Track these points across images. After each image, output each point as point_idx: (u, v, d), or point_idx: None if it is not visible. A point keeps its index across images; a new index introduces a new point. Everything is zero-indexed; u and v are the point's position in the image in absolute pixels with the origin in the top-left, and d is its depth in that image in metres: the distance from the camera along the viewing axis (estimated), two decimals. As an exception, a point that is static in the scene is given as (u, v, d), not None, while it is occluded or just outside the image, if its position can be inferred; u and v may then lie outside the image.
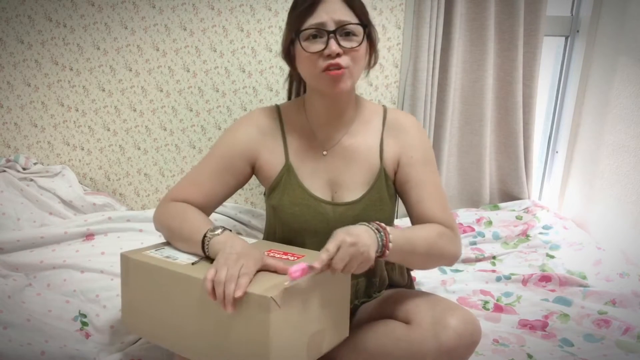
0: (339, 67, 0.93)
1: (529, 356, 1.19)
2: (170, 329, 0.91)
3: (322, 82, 0.97)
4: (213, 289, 0.80)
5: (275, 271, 0.86)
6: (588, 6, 1.82)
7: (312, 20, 0.92)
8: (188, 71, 1.62)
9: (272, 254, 0.95)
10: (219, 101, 1.66)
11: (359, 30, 0.95)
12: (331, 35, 0.92)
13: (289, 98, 1.18)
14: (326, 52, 0.92)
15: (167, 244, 1.04)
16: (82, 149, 1.64)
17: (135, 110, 1.64)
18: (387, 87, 1.76)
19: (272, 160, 1.07)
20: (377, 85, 1.74)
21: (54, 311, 1.16)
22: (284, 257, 0.94)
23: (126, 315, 1.00)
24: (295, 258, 0.93)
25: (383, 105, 1.13)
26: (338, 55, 0.93)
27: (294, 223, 1.06)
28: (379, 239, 0.87)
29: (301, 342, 0.84)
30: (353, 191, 1.06)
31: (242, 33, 1.61)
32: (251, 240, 1.05)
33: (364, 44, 0.96)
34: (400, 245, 0.90)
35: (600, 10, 1.80)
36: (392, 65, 1.73)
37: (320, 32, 0.93)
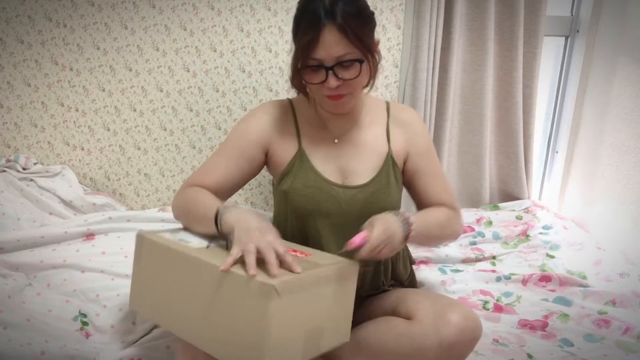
0: (339, 96, 1.00)
1: (529, 356, 1.19)
2: (176, 311, 0.91)
3: (326, 105, 1.06)
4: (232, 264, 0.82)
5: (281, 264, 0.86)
6: (588, 6, 1.82)
7: (312, 55, 0.95)
8: (188, 71, 1.62)
9: None
10: (219, 101, 1.66)
11: (357, 62, 0.98)
12: (330, 71, 0.96)
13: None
14: (326, 85, 0.98)
15: (185, 229, 1.05)
16: (82, 149, 1.64)
17: (135, 110, 1.64)
18: (387, 87, 1.76)
19: (285, 147, 1.12)
20: (377, 86, 1.73)
21: (54, 311, 1.16)
22: (292, 254, 0.94)
23: (134, 295, 1.01)
24: (303, 255, 0.94)
25: (386, 102, 1.20)
26: (338, 86, 0.98)
27: (307, 205, 1.10)
28: (404, 230, 0.94)
29: (298, 336, 0.83)
30: (363, 176, 1.11)
31: (242, 33, 1.61)
32: None
33: (363, 72, 0.99)
34: (419, 232, 0.97)
35: (600, 10, 1.80)
36: (392, 65, 1.73)
37: (319, 66, 0.97)
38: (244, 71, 1.65)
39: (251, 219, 0.89)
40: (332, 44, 0.94)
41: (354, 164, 1.11)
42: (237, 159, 1.10)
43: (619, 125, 1.73)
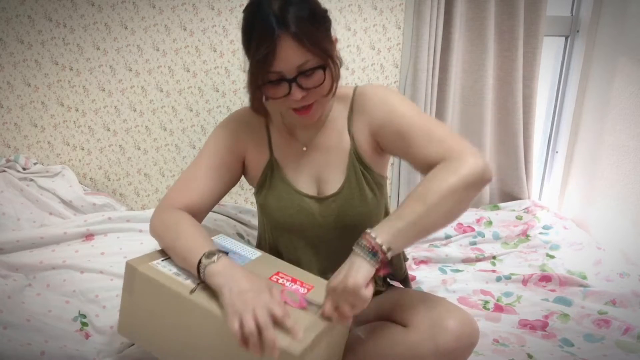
0: (307, 109, 0.94)
1: (529, 356, 1.19)
2: (171, 344, 0.89)
3: (293, 119, 0.99)
4: (243, 339, 0.77)
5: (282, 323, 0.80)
6: (588, 6, 1.82)
7: (271, 69, 0.88)
8: (188, 71, 1.62)
9: (281, 280, 0.93)
10: (219, 101, 1.66)
11: (319, 68, 0.91)
12: (293, 83, 0.89)
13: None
14: (291, 98, 0.91)
15: None
16: (82, 149, 1.64)
17: (135, 110, 1.64)
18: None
19: (258, 155, 1.08)
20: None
21: (54, 311, 1.16)
22: (294, 285, 0.92)
23: (124, 321, 0.97)
24: (305, 290, 0.91)
25: (355, 87, 1.08)
26: (303, 97, 0.91)
27: (280, 218, 1.06)
28: (373, 260, 0.82)
29: None
30: (335, 183, 1.04)
31: (242, 33, 1.61)
32: (256, 253, 1.02)
33: (327, 77, 0.92)
34: (399, 235, 0.82)
35: (600, 10, 1.80)
36: (392, 65, 1.73)
37: (280, 80, 0.90)
38: (244, 71, 1.64)
39: (240, 278, 0.82)
40: (289, 55, 0.86)
41: (325, 171, 1.05)
42: (217, 169, 1.05)
43: (619, 125, 1.73)
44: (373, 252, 0.81)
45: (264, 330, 0.75)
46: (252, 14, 0.90)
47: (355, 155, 1.03)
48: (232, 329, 0.76)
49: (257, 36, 0.87)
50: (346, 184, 1.03)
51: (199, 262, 0.86)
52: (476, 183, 0.86)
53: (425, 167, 0.92)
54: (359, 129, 1.03)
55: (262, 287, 0.82)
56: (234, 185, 1.11)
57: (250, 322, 0.76)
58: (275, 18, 0.85)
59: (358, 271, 0.81)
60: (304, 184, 1.05)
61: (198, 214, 1.03)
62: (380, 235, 0.82)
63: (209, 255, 0.86)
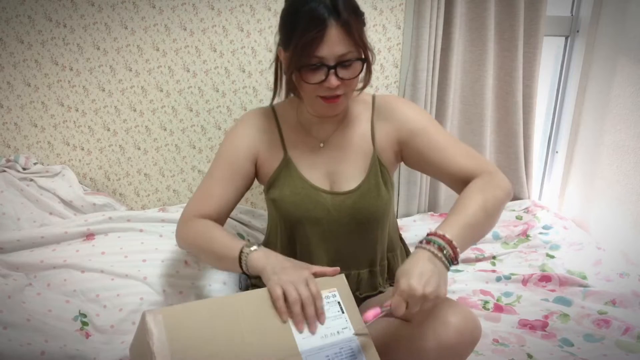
0: (336, 96, 0.98)
1: (529, 356, 1.19)
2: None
3: (318, 107, 1.02)
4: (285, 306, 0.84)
5: (324, 274, 0.91)
6: (588, 6, 1.82)
7: (315, 53, 0.92)
8: (188, 71, 1.62)
9: None
10: (219, 101, 1.66)
11: (358, 61, 0.96)
12: (331, 70, 0.93)
13: (273, 96, 1.16)
14: (325, 85, 0.95)
15: None
16: (82, 149, 1.64)
17: (135, 110, 1.64)
18: (387, 87, 1.76)
19: (271, 155, 1.11)
20: (377, 86, 1.75)
21: (54, 311, 1.16)
22: None
23: None
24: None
25: (373, 94, 1.15)
26: (337, 86, 0.95)
27: (295, 212, 1.09)
28: (446, 259, 0.85)
29: None
30: (350, 180, 1.08)
31: (242, 33, 1.61)
32: None
33: (364, 69, 0.99)
34: (465, 239, 0.89)
35: (600, 10, 1.80)
36: (392, 65, 1.73)
37: (320, 65, 0.94)
38: (244, 71, 1.65)
39: (281, 259, 0.92)
40: (335, 42, 0.91)
41: (341, 168, 1.09)
42: (233, 178, 1.09)
43: (619, 125, 1.73)
44: (451, 260, 0.86)
45: (306, 303, 0.83)
46: (300, 2, 0.93)
47: (378, 158, 1.08)
48: (273, 295, 0.83)
49: (307, 20, 0.90)
50: (365, 183, 1.07)
51: (240, 252, 0.94)
52: (509, 195, 0.99)
53: (457, 177, 1.02)
54: (382, 134, 1.09)
55: (302, 265, 0.91)
56: (248, 188, 1.15)
57: (293, 291, 0.83)
58: (325, 7, 0.90)
59: (443, 279, 0.83)
60: (318, 179, 1.09)
61: (217, 222, 1.08)
62: (454, 233, 0.87)
63: (248, 245, 0.95)
